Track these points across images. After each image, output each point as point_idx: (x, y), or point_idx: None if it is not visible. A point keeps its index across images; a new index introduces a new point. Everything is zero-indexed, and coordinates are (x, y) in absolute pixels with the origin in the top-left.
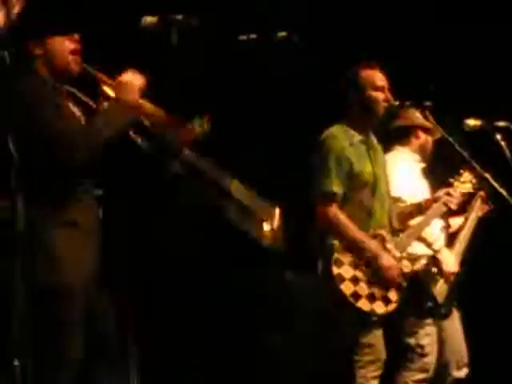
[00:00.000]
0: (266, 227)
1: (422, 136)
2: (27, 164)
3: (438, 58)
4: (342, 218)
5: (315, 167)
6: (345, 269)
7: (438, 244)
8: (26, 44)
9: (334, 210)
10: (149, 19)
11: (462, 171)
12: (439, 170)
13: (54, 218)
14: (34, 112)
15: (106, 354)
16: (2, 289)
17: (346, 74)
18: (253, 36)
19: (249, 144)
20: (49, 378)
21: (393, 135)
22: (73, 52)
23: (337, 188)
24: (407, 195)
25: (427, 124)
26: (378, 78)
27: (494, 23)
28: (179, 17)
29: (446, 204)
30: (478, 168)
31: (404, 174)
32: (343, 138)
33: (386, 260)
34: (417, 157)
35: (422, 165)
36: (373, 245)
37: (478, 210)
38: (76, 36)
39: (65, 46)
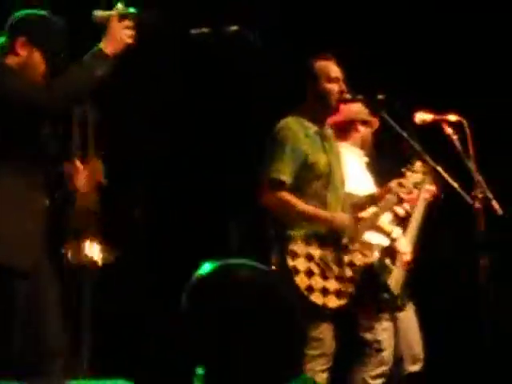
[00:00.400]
0: None
1: (361, 129)
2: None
3: (392, 50)
4: (290, 197)
5: (266, 156)
6: (299, 261)
7: (396, 233)
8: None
9: (282, 194)
10: (100, 13)
11: (414, 161)
12: (389, 163)
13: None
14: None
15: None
16: None
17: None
18: (205, 30)
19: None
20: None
21: (334, 130)
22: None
23: (286, 177)
24: (352, 189)
25: (364, 117)
26: (333, 69)
27: (444, 11)
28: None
29: (397, 192)
30: (429, 160)
31: (348, 169)
32: (298, 129)
33: (340, 217)
34: (358, 151)
35: (365, 158)
36: (324, 212)
37: (425, 193)
38: None
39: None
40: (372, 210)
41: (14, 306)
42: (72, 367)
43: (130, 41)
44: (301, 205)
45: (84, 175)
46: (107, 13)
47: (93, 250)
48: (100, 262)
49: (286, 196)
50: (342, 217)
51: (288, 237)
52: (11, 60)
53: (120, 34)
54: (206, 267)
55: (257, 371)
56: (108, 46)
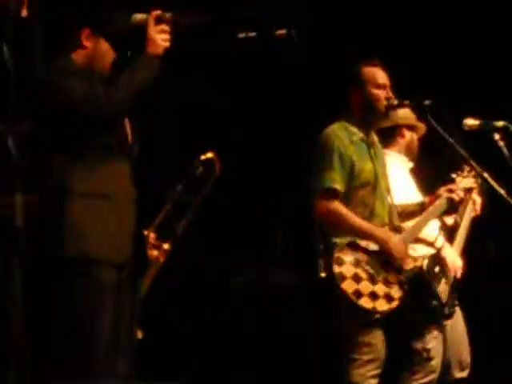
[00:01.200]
0: None
1: (408, 134)
2: (58, 135)
3: (438, 58)
4: (345, 210)
5: (315, 164)
6: (346, 267)
7: (439, 241)
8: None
9: (336, 205)
10: (139, 16)
11: (464, 166)
12: (436, 170)
13: (82, 190)
14: (57, 84)
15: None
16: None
17: (347, 71)
18: (252, 34)
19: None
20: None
21: (379, 137)
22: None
23: (339, 185)
24: (399, 199)
25: (411, 121)
26: (380, 75)
27: (491, 25)
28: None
29: (448, 199)
30: (476, 166)
31: (395, 178)
32: (344, 136)
33: (395, 241)
34: (404, 158)
35: (410, 164)
36: (380, 230)
37: (472, 204)
38: None
39: (109, 51)
40: (418, 219)
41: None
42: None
43: (167, 44)
44: (356, 219)
45: None
46: (145, 16)
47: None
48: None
49: (340, 207)
50: (395, 240)
51: (334, 244)
52: (79, 54)
53: (157, 38)
54: None
55: None
56: (148, 50)
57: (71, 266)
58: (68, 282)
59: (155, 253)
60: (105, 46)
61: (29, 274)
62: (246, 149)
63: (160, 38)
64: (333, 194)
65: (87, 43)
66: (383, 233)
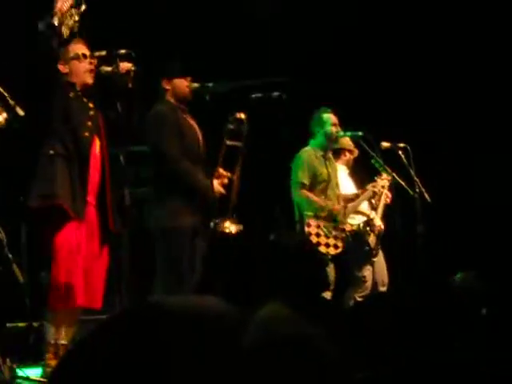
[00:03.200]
0: None
1: (348, 154)
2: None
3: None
4: (310, 194)
5: (293, 170)
6: (311, 229)
7: (372, 214)
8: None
9: (305, 191)
10: (106, 69)
11: (382, 173)
12: (363, 174)
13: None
14: (158, 129)
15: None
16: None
17: (312, 116)
18: (259, 95)
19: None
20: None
21: (333, 155)
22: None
23: (306, 181)
24: (343, 191)
25: (349, 147)
26: (332, 119)
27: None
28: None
29: (373, 191)
30: (388, 170)
31: (341, 179)
32: (312, 154)
33: (337, 208)
34: (344, 167)
35: (347, 171)
36: (326, 204)
37: (385, 195)
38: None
39: (184, 83)
40: (355, 202)
41: (180, 259)
42: None
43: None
44: (315, 199)
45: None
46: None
47: (229, 224)
48: (234, 232)
49: (307, 192)
50: (338, 208)
51: (305, 216)
52: (170, 96)
53: None
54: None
55: None
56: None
57: (167, 233)
58: (164, 241)
59: (225, 180)
60: (179, 82)
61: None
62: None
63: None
64: (303, 185)
65: (167, 86)
66: (331, 205)
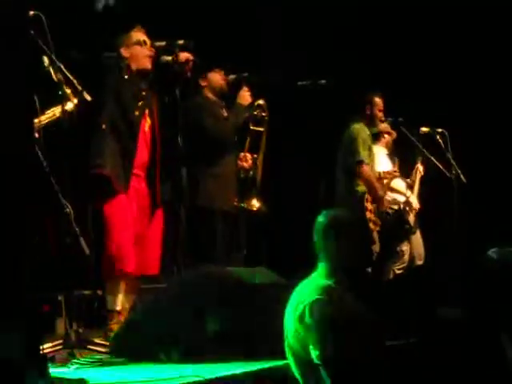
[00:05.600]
0: None
1: (386, 136)
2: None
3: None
4: (371, 175)
5: (351, 145)
6: (368, 204)
7: (408, 193)
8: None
9: (367, 170)
10: (166, 58)
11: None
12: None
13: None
14: (199, 120)
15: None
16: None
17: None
18: (306, 82)
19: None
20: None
21: (372, 137)
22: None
23: (365, 158)
24: (382, 169)
25: (386, 129)
26: (380, 102)
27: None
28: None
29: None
30: (426, 153)
31: (380, 158)
32: (365, 130)
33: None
34: (385, 149)
35: (387, 152)
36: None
37: (420, 173)
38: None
39: (219, 78)
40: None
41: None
42: None
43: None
44: (374, 181)
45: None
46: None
47: (255, 202)
48: (263, 209)
49: (369, 171)
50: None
51: (358, 191)
52: (207, 91)
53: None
54: None
55: None
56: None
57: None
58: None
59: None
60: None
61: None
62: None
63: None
64: (363, 162)
65: (203, 83)
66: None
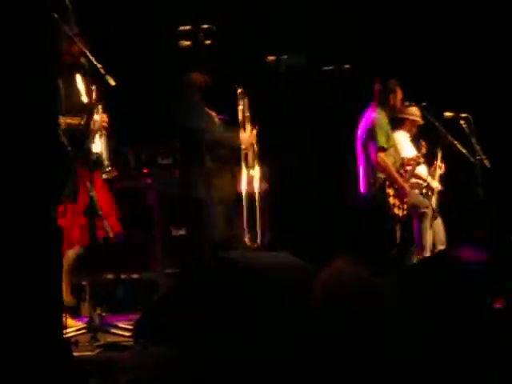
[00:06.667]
0: None
1: (410, 124)
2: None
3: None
4: (388, 163)
5: (372, 132)
6: (390, 190)
7: (429, 179)
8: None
9: (384, 158)
10: (185, 43)
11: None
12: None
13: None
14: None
15: None
16: None
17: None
18: (331, 67)
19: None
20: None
21: (395, 122)
22: None
23: (385, 144)
24: (405, 154)
25: (414, 117)
26: (401, 92)
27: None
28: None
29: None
30: (450, 138)
31: (403, 143)
32: (384, 117)
33: (407, 188)
34: (408, 134)
35: (410, 138)
36: (399, 178)
37: (440, 169)
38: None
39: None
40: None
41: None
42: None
43: None
44: (391, 169)
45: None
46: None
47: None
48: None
49: (386, 160)
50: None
51: (380, 178)
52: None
53: None
54: None
55: None
56: None
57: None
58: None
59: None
60: None
61: None
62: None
63: None
64: (382, 149)
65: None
66: (398, 177)
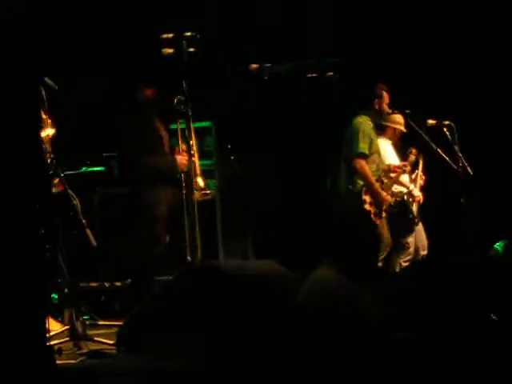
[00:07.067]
0: None
1: (391, 130)
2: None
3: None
4: (367, 168)
5: (351, 139)
6: (367, 197)
7: (411, 186)
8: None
9: (363, 164)
10: (168, 51)
11: (412, 149)
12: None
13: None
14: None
15: None
16: None
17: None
18: (315, 75)
19: None
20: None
21: (377, 129)
22: None
23: (366, 150)
24: (389, 162)
25: (397, 125)
26: (388, 98)
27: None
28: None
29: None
30: (434, 145)
31: (386, 150)
32: (367, 123)
33: (384, 195)
34: (389, 142)
35: (392, 145)
36: (375, 185)
37: (422, 169)
38: None
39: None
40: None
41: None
42: None
43: None
44: (369, 175)
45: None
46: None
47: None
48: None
49: (365, 166)
50: (384, 195)
51: (359, 184)
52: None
53: None
54: None
55: None
56: None
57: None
58: None
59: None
60: None
61: None
62: None
63: None
64: (363, 155)
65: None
66: (377, 188)
